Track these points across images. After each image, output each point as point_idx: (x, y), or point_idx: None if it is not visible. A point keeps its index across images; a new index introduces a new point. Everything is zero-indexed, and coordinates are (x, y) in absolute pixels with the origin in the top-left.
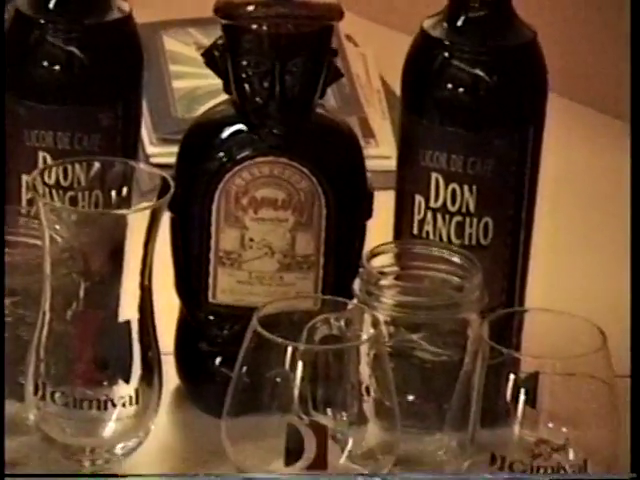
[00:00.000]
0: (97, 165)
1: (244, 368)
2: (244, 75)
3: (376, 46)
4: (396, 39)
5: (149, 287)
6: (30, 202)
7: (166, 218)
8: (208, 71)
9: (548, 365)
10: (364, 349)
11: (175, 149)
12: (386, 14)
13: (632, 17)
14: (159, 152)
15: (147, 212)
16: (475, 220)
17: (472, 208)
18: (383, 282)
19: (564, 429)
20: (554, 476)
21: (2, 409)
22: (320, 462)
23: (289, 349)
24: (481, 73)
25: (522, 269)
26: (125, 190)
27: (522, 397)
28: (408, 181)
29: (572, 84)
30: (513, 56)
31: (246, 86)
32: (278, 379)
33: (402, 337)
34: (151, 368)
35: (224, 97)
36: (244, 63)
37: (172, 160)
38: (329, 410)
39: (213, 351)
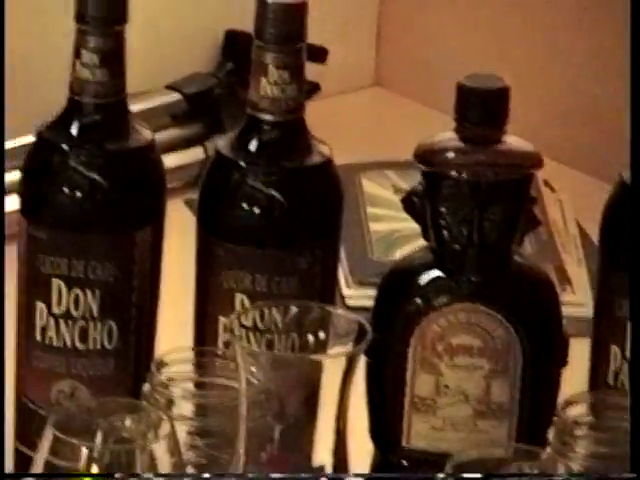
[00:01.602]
0: (294, 309)
1: None
2: (442, 221)
3: (572, 191)
4: (591, 184)
5: (344, 431)
6: (227, 344)
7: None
8: (405, 215)
9: None
10: None
11: (371, 292)
12: (583, 160)
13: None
14: (356, 294)
15: (343, 358)
16: None
17: None
18: (577, 432)
19: None
20: (554, 476)
21: (2, 409)
22: None
23: None
24: None
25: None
26: (322, 334)
27: None
28: (604, 330)
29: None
30: None
31: (444, 232)
32: None
33: None
34: None
35: (421, 241)
36: (443, 209)
37: (368, 303)
38: None
39: None
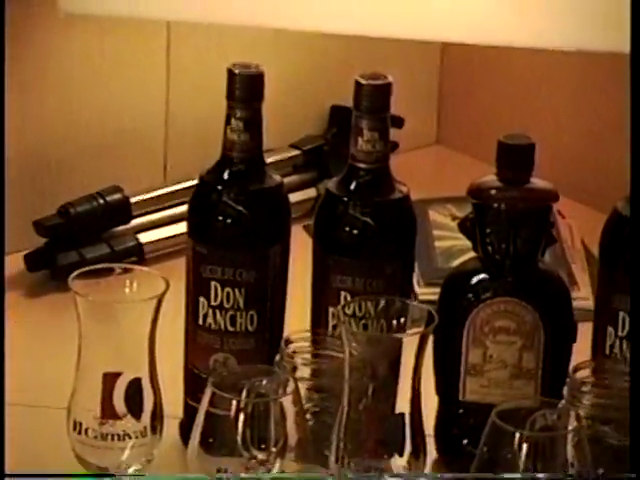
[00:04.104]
0: (382, 302)
1: (484, 448)
2: (487, 239)
3: (579, 219)
4: (593, 214)
5: (418, 389)
6: (334, 327)
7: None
8: (461, 235)
9: None
10: (570, 436)
11: (437, 290)
12: (586, 196)
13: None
14: (426, 292)
15: (417, 336)
16: None
17: None
18: (584, 389)
19: None
20: (554, 476)
21: (2, 410)
22: None
23: (517, 435)
24: None
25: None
26: (402, 320)
27: None
28: (602, 316)
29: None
30: None
31: (489, 247)
32: (509, 455)
33: (597, 428)
34: (418, 446)
35: (471, 253)
36: (488, 230)
37: (435, 298)
38: None
39: (462, 435)
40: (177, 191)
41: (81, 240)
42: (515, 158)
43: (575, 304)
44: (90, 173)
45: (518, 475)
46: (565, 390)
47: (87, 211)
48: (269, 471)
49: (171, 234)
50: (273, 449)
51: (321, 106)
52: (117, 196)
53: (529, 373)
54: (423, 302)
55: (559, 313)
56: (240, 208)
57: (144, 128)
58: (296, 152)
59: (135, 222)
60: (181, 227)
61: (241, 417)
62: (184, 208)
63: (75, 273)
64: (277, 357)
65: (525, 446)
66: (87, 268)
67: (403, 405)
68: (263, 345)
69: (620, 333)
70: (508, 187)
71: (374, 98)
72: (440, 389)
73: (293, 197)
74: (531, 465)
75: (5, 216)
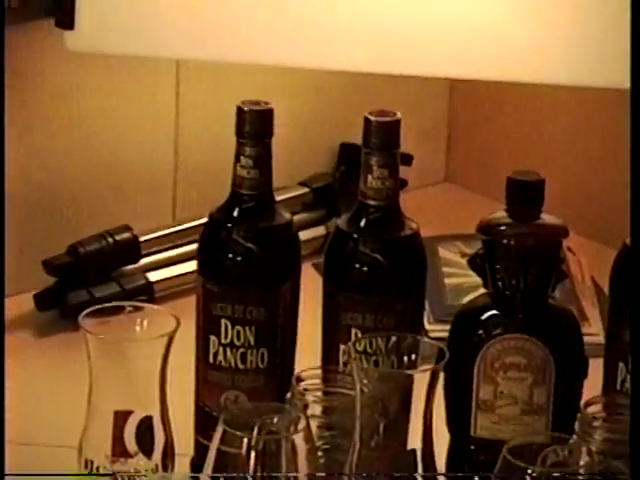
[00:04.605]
0: (394, 338)
1: None
2: (498, 275)
3: (589, 255)
4: (602, 250)
5: (430, 425)
6: (345, 364)
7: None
8: (471, 272)
9: None
10: (582, 472)
11: (447, 327)
12: (596, 232)
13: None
14: (435, 329)
15: (428, 373)
16: None
17: None
18: (595, 424)
19: None
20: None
21: (2, 410)
22: None
23: (529, 471)
24: None
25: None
26: (413, 356)
27: None
28: (613, 352)
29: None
30: None
31: (499, 283)
32: None
33: (609, 463)
34: None
35: (482, 290)
36: (498, 267)
37: (445, 334)
38: None
39: (474, 471)
40: (186, 229)
41: (91, 279)
42: (525, 194)
43: (586, 339)
44: (99, 212)
45: None
46: (576, 425)
47: (96, 250)
48: None
49: (181, 272)
50: None
51: (330, 144)
52: (126, 235)
53: (540, 409)
54: (433, 339)
55: (570, 349)
56: (250, 245)
57: (153, 166)
58: (305, 190)
59: (144, 261)
60: (191, 265)
61: (252, 455)
62: (194, 246)
63: (85, 312)
64: (288, 394)
65: None
66: (97, 306)
67: (415, 441)
68: (274, 382)
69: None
70: (518, 223)
71: (383, 135)
72: (451, 425)
73: (302, 235)
74: None
75: (6, 253)
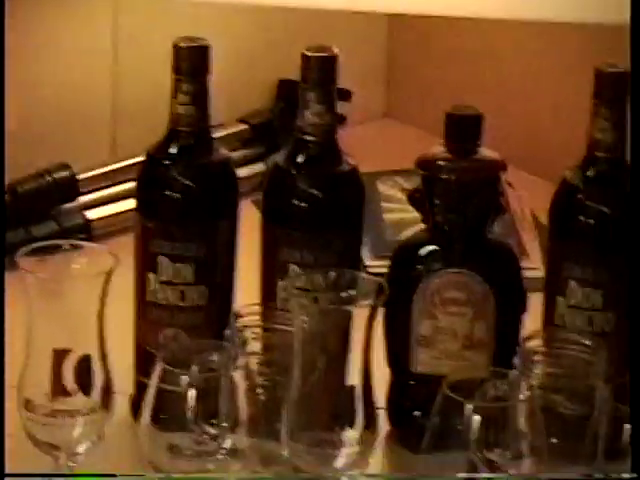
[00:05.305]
0: (332, 274)
1: (436, 419)
2: (436, 210)
3: (528, 190)
4: (541, 183)
5: (369, 361)
6: (284, 300)
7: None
8: (410, 207)
9: None
10: (521, 406)
11: (387, 263)
12: (536, 166)
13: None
14: (375, 265)
15: (367, 308)
16: (602, 314)
17: (599, 305)
18: (535, 358)
19: None
20: (555, 475)
21: (2, 410)
22: None
23: (468, 406)
24: (606, 210)
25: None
26: (352, 292)
27: None
28: (552, 286)
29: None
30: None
31: (438, 218)
32: (460, 427)
33: (548, 397)
34: (370, 418)
35: (421, 225)
36: (436, 202)
37: (384, 270)
38: (496, 449)
39: (414, 406)
40: (125, 167)
41: (29, 218)
42: (463, 129)
43: (525, 274)
44: (37, 151)
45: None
46: (516, 360)
47: (34, 189)
48: (220, 446)
49: (119, 210)
50: (224, 424)
51: (269, 80)
52: (64, 173)
53: (480, 343)
54: (372, 274)
55: (509, 283)
56: (187, 182)
57: (91, 105)
58: (244, 126)
59: (83, 199)
60: (129, 203)
61: (191, 392)
62: (132, 184)
63: (23, 250)
64: (227, 331)
65: (476, 417)
66: (35, 245)
67: (354, 378)
68: (213, 320)
69: (570, 302)
70: (456, 158)
71: (320, 70)
72: (391, 361)
73: (241, 172)
74: (483, 436)
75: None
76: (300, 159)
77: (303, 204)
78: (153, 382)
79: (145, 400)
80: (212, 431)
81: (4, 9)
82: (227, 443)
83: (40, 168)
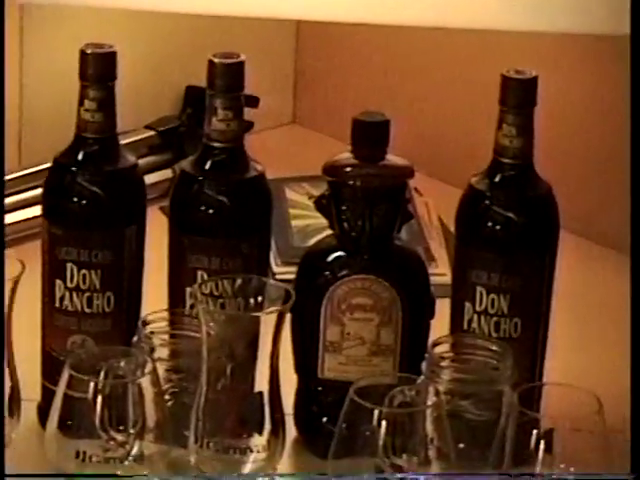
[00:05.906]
0: (239, 281)
1: (343, 425)
2: (343, 216)
3: (435, 196)
4: (450, 191)
5: (277, 367)
6: (192, 307)
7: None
8: (317, 213)
9: (560, 423)
10: (429, 412)
11: (294, 269)
12: (442, 172)
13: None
14: (283, 271)
15: (275, 314)
16: (508, 320)
17: (506, 311)
18: (443, 364)
19: (572, 469)
20: (555, 475)
21: (2, 409)
22: None
23: (376, 412)
24: (512, 215)
25: (541, 355)
26: (260, 298)
27: (542, 446)
28: (460, 292)
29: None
30: (534, 204)
31: (345, 224)
32: (368, 433)
33: (456, 403)
34: (277, 424)
35: (328, 231)
36: (344, 208)
37: (292, 276)
38: (404, 455)
39: (321, 412)
40: (31, 174)
41: None
42: (370, 135)
43: (433, 280)
44: None
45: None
46: (424, 366)
47: None
48: (128, 453)
49: (26, 217)
50: (132, 430)
51: (176, 87)
52: None
53: (387, 349)
54: (280, 281)
55: (416, 289)
56: (94, 189)
57: None
58: (151, 133)
59: None
60: (36, 210)
61: (99, 399)
62: (39, 191)
63: None
64: (135, 338)
65: (384, 422)
66: None
67: (262, 384)
68: (120, 326)
69: (478, 308)
70: (363, 164)
71: (227, 77)
72: (299, 367)
73: (149, 178)
74: (390, 441)
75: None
76: (207, 165)
77: (210, 210)
78: (60, 389)
79: (52, 407)
80: (119, 437)
81: (4, 9)
82: (135, 449)
83: None
